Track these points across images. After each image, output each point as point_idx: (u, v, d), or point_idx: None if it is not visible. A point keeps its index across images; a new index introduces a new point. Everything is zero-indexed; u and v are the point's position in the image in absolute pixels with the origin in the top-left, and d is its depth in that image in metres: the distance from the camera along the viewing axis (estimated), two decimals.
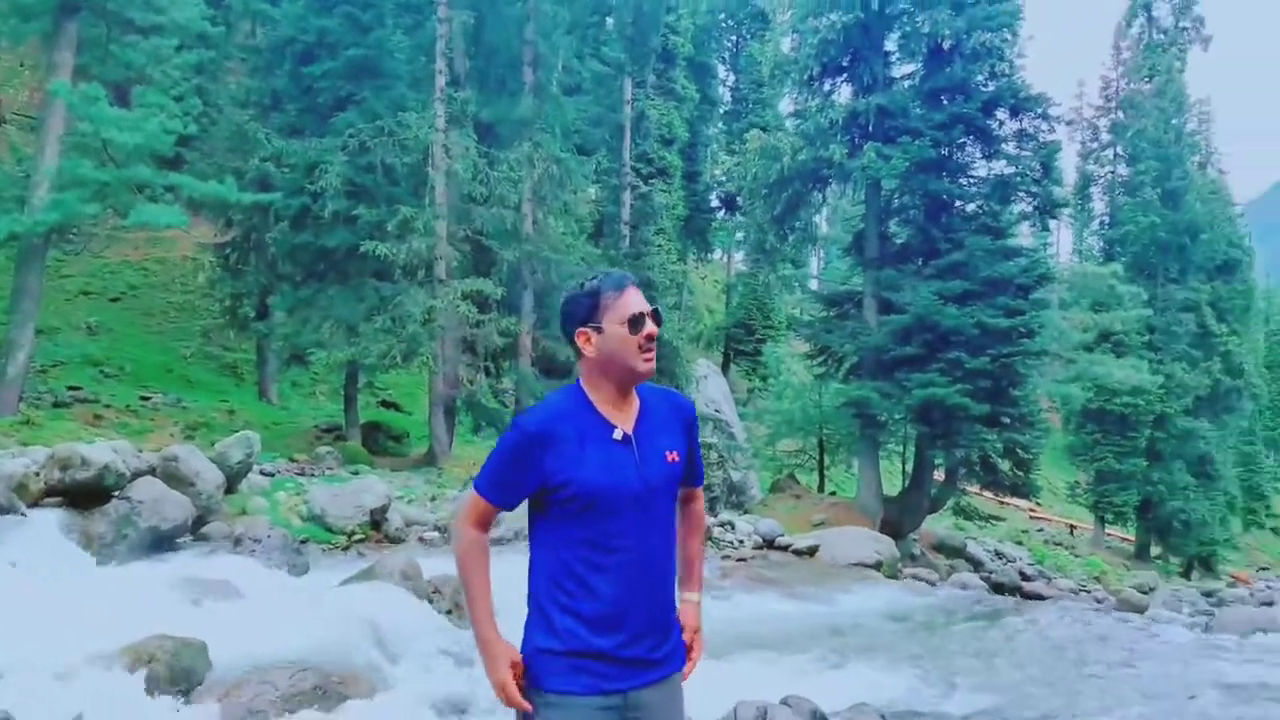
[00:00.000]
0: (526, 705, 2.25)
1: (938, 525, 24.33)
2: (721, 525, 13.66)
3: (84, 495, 8.48)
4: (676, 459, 2.33)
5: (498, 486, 2.31)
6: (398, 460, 19.12)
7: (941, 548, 21.69)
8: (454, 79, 19.17)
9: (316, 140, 18.48)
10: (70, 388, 18.61)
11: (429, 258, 17.89)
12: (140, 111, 14.81)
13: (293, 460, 15.39)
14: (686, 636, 2.40)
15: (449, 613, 7.63)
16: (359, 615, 6.69)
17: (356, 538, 10.66)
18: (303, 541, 9.79)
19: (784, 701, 6.00)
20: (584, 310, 2.30)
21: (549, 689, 2.24)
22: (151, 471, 9.41)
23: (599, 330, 2.27)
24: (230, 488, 10.60)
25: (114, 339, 23.06)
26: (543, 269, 19.47)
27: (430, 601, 7.56)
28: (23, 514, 7.85)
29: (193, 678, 5.20)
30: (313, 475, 13.70)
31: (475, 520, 2.34)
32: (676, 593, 2.40)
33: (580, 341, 2.30)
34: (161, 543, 8.66)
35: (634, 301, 2.28)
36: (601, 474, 2.23)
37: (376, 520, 11.00)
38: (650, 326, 2.27)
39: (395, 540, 10.94)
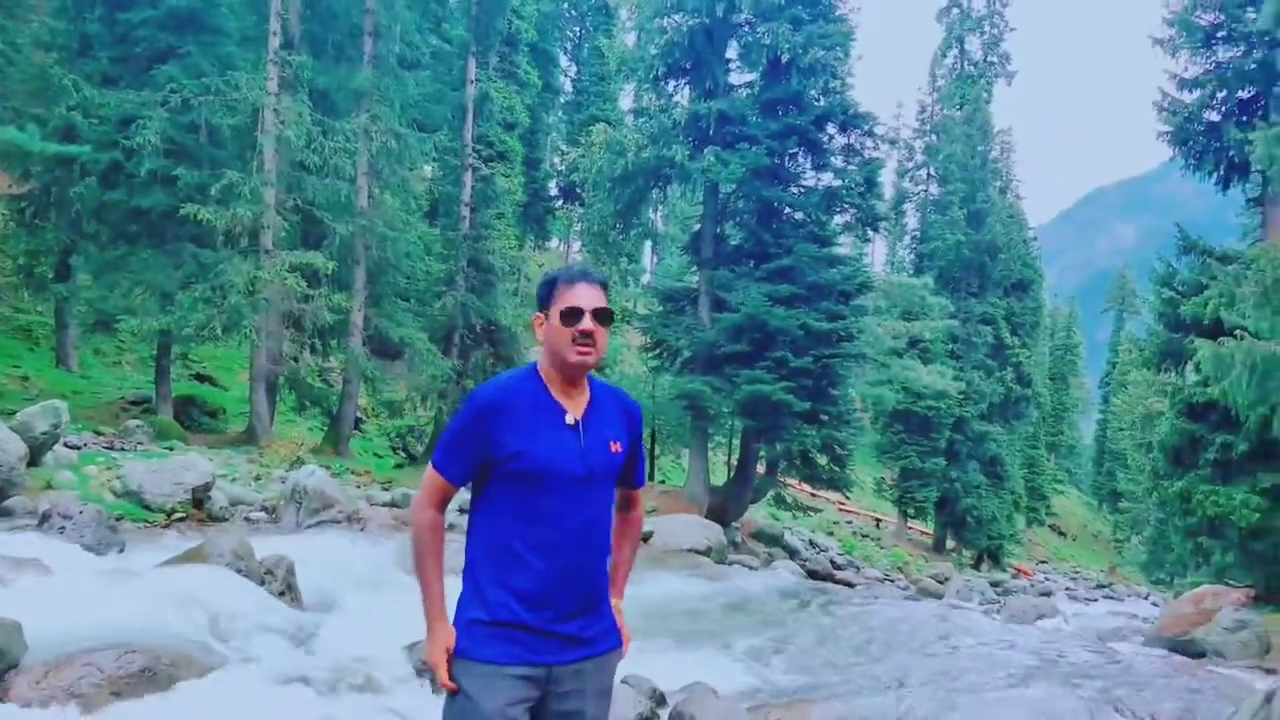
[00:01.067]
0: (451, 686, 2.32)
1: (756, 514, 25.33)
2: None
3: None
4: (619, 450, 2.44)
5: (453, 461, 2.38)
6: (214, 437, 18.12)
7: (761, 536, 22.59)
8: (288, 41, 18.27)
9: (133, 93, 17.23)
10: None
11: (254, 226, 17.05)
12: None
13: (99, 433, 14.34)
14: (627, 641, 2.53)
15: (282, 594, 7.36)
16: (189, 596, 6.35)
17: (177, 516, 10.04)
18: (118, 519, 9.13)
19: (624, 680, 6.14)
20: (541, 297, 2.42)
21: (474, 657, 2.31)
22: None
23: (548, 318, 2.39)
24: (34, 460, 9.77)
25: None
26: (376, 244, 18.93)
27: (263, 583, 7.25)
28: None
29: (6, 659, 4.80)
30: (124, 450, 12.82)
31: (435, 500, 2.42)
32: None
33: (535, 325, 2.44)
34: None
35: (577, 295, 2.37)
36: (549, 451, 2.32)
37: (199, 499, 10.41)
38: (586, 323, 2.34)
39: (219, 519, 10.40)
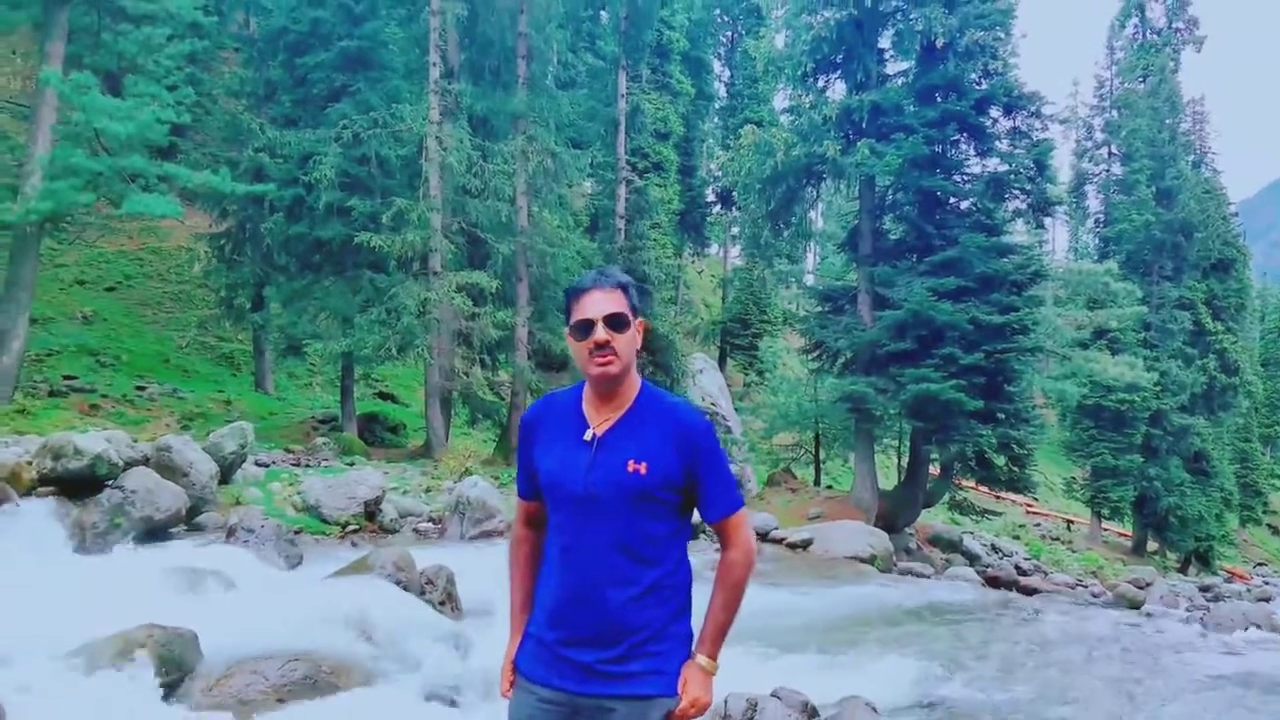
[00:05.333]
0: (506, 695, 2.37)
1: (934, 520, 24.36)
2: None
3: (77, 485, 8.45)
4: (642, 471, 2.21)
5: (519, 477, 2.44)
6: (394, 452, 19.10)
7: (937, 542, 21.71)
8: (448, 71, 19.13)
9: (310, 131, 18.45)
10: (66, 377, 18.58)
11: (424, 250, 17.88)
12: (132, 101, 14.73)
13: (289, 451, 15.38)
14: (683, 703, 2.25)
15: (442, 604, 7.61)
16: (351, 607, 6.66)
17: (351, 529, 10.63)
18: (296, 532, 9.76)
19: (774, 694, 5.99)
20: (566, 313, 2.35)
21: (517, 667, 2.36)
22: (145, 461, 9.39)
23: (569, 335, 2.33)
24: (224, 478, 10.59)
25: (110, 329, 23.01)
26: (537, 262, 19.46)
27: (423, 594, 7.54)
28: (15, 504, 7.82)
29: (183, 667, 5.18)
30: (308, 466, 13.68)
31: (519, 516, 2.48)
32: (653, 615, 2.26)
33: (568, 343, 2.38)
34: (155, 532, 8.63)
35: (586, 306, 2.27)
36: (556, 469, 2.29)
37: (371, 511, 10.98)
38: (599, 333, 2.23)
39: (390, 531, 10.93)
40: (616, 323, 2.25)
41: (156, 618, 5.34)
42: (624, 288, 2.32)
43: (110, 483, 8.62)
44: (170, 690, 4.95)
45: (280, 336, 20.10)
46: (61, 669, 4.69)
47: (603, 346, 2.23)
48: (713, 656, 2.31)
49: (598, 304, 2.26)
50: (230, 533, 8.79)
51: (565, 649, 2.24)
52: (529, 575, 2.42)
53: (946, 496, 22.09)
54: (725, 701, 5.78)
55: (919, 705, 6.73)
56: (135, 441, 9.97)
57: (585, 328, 2.25)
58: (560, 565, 2.28)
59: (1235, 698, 6.48)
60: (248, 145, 19.01)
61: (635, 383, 2.34)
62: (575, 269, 19.94)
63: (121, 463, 8.86)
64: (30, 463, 8.48)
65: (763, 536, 13.28)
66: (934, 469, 21.47)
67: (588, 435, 2.28)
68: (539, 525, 2.42)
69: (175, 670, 5.12)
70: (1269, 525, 47.63)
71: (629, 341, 2.28)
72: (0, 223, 14.93)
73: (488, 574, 9.35)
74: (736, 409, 29.68)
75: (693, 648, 2.31)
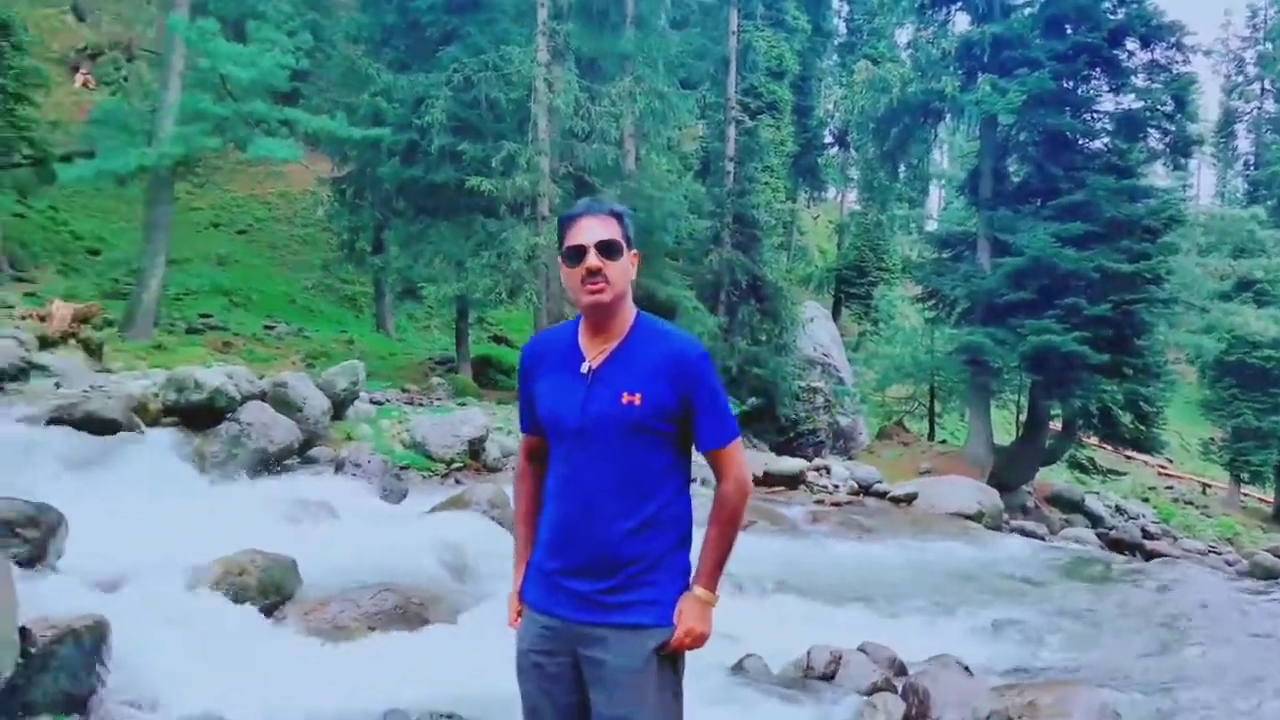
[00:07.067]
0: (513, 625, 2.43)
1: (1055, 478, 23.50)
2: (816, 470, 13.50)
3: (197, 416, 8.92)
4: (636, 402, 2.20)
5: (521, 412, 2.47)
6: (506, 394, 19.48)
7: (1057, 501, 20.97)
8: (556, 12, 18.97)
9: (423, 75, 18.63)
10: (202, 315, 19.56)
11: (533, 194, 17.95)
12: (255, 46, 15.17)
13: (404, 390, 15.85)
14: (678, 633, 2.24)
15: None
16: (446, 541, 6.86)
17: (456, 466, 10.91)
18: (403, 468, 10.08)
19: (860, 648, 5.89)
20: (559, 241, 2.31)
21: (521, 596, 2.41)
22: (262, 396, 9.81)
23: (561, 263, 2.30)
24: (338, 414, 10.99)
25: (242, 270, 24.13)
26: (644, 206, 19.29)
27: None
28: (141, 432, 8.31)
29: (282, 592, 5.42)
30: (420, 405, 14.08)
31: (522, 449, 2.52)
32: (650, 543, 2.26)
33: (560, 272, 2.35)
34: (269, 464, 9.05)
35: (578, 233, 2.25)
36: (554, 402, 2.30)
37: (475, 450, 11.24)
38: (591, 259, 2.21)
39: (493, 470, 11.17)
40: (609, 249, 2.23)
41: (262, 545, 5.60)
42: (618, 216, 2.30)
43: (229, 415, 9.05)
44: (269, 613, 5.18)
45: (398, 279, 20.63)
46: (170, 590, 4.96)
47: (595, 273, 2.21)
48: (710, 588, 2.30)
49: (590, 230, 2.24)
50: (339, 466, 9.15)
51: (564, 579, 2.27)
52: (531, 509, 2.45)
53: (1068, 454, 21.22)
54: (809, 654, 5.71)
55: (1016, 669, 6.49)
56: (262, 377, 10.46)
57: (577, 253, 2.23)
58: (558, 497, 2.30)
59: None
60: (365, 90, 19.37)
61: (630, 312, 2.32)
62: (682, 213, 19.74)
63: (240, 396, 9.28)
64: (156, 394, 8.99)
65: (865, 490, 13.06)
66: (1055, 425, 20.66)
67: (584, 368, 2.27)
68: (541, 459, 2.43)
69: (275, 594, 5.36)
70: None
71: (621, 269, 2.25)
72: (138, 166, 15.72)
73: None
74: (850, 359, 29.14)
75: (689, 581, 2.32)
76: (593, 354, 2.28)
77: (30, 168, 17.78)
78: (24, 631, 3.61)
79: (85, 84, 26.90)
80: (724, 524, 2.30)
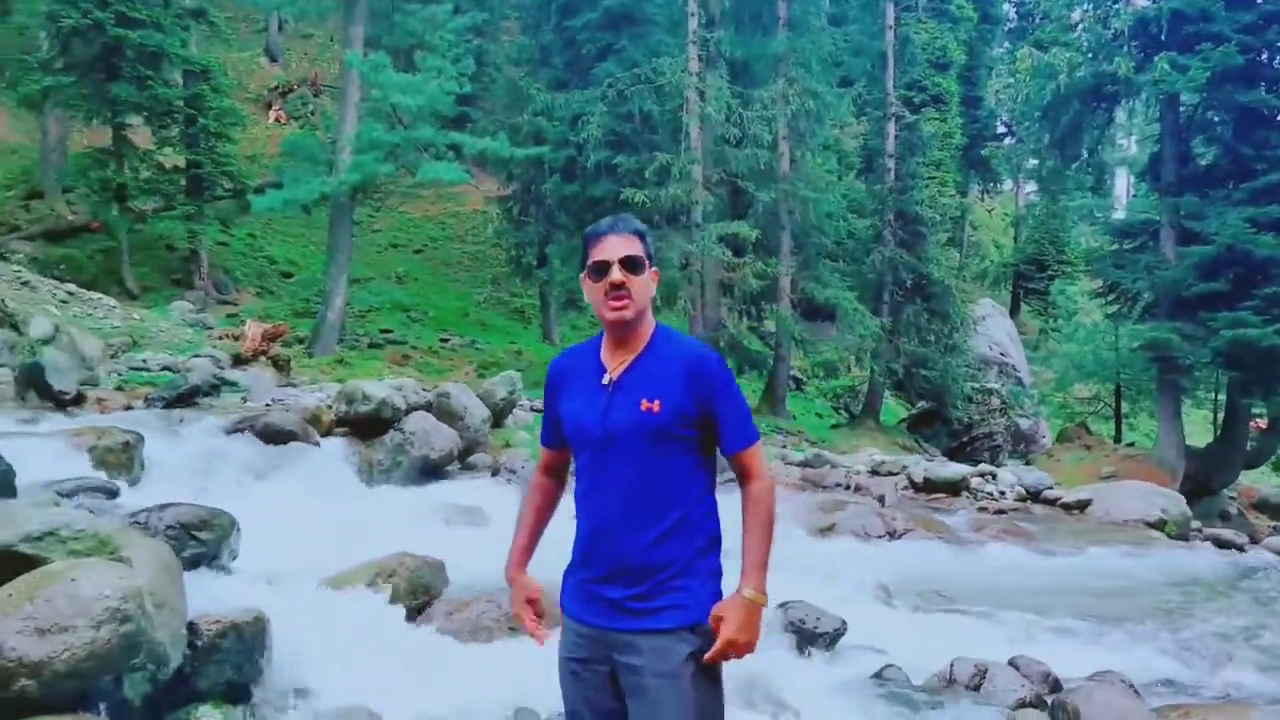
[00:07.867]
0: (537, 635, 2.50)
1: (1263, 482, 21.54)
2: (981, 475, 12.91)
3: (366, 426, 9.52)
4: (655, 409, 2.27)
5: (543, 426, 2.56)
6: None
7: (1264, 507, 19.23)
8: (708, 20, 19.07)
9: (579, 92, 19.18)
10: (383, 330, 20.88)
11: (687, 203, 18.12)
12: (421, 75, 16.09)
13: None
14: (718, 644, 2.25)
15: None
16: None
17: None
18: None
19: (1011, 662, 5.63)
20: (582, 257, 2.40)
21: (562, 606, 2.48)
22: (427, 407, 10.38)
23: (586, 278, 2.38)
24: (497, 422, 11.46)
25: (419, 287, 25.55)
26: (800, 209, 19.10)
27: None
28: (316, 442, 8.98)
29: (430, 592, 5.72)
30: None
31: (540, 463, 2.60)
32: (685, 549, 2.30)
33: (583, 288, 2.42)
34: (431, 471, 9.55)
35: (603, 249, 2.33)
36: (578, 415, 2.36)
37: None
38: (614, 274, 2.30)
39: None
40: (632, 264, 2.32)
41: (415, 547, 5.93)
42: (640, 234, 2.39)
43: (395, 425, 9.63)
44: (417, 612, 5.49)
45: (561, 291, 21.32)
46: (326, 588, 5.36)
47: (618, 287, 2.30)
48: (759, 588, 2.29)
49: (614, 247, 2.34)
50: (494, 472, 9.56)
51: (596, 586, 2.35)
52: (536, 519, 2.58)
53: (1276, 455, 19.41)
54: (952, 665, 5.52)
55: (1189, 688, 6.04)
56: (434, 386, 11.07)
57: (601, 269, 2.33)
58: (585, 507, 2.39)
59: None
60: (526, 110, 20.15)
61: (649, 326, 2.40)
62: (840, 213, 19.40)
63: (405, 407, 9.84)
64: (330, 407, 9.68)
65: (1033, 496, 12.38)
66: (1261, 423, 18.96)
67: (605, 379, 2.36)
68: (556, 473, 2.57)
69: (423, 594, 5.67)
70: None
71: (644, 285, 2.34)
72: (321, 194, 16.99)
73: (732, 519, 9.54)
74: (1029, 358, 27.70)
75: (720, 585, 2.36)
76: (613, 366, 2.36)
77: (230, 199, 19.55)
78: (191, 625, 4.00)
79: (278, 119, 29.31)
80: (761, 521, 2.33)
